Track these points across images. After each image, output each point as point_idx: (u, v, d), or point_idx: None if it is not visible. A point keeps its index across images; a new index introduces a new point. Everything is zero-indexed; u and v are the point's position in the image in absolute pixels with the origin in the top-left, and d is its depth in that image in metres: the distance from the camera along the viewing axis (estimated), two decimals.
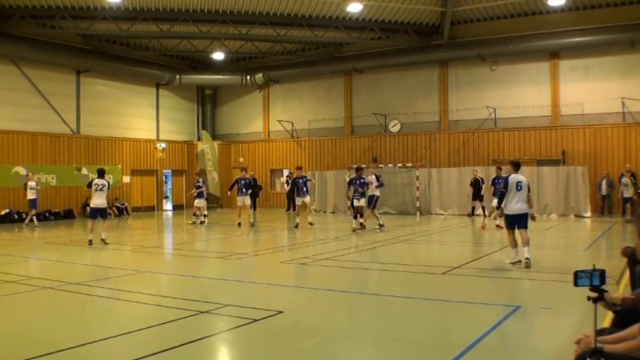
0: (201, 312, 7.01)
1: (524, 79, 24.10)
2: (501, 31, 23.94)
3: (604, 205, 21.54)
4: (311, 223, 18.31)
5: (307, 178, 18.55)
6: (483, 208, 18.70)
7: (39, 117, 23.89)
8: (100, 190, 14.01)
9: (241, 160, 30.59)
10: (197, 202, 20.61)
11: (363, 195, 16.98)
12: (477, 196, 18.76)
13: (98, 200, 14.09)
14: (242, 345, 5.92)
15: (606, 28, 21.87)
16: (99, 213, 14.23)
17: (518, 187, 10.24)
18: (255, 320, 6.48)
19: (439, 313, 7.23)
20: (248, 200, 19.20)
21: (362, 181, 16.95)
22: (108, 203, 14.68)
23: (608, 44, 22.10)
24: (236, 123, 31.41)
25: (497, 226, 15.93)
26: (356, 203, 16.99)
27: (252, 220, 20.11)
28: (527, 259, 10.07)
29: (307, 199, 18.29)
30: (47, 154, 24.03)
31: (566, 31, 22.63)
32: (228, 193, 21.64)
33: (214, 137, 30.89)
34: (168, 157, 29.47)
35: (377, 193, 17.58)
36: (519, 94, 24.06)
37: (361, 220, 17.10)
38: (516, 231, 10.26)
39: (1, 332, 6.40)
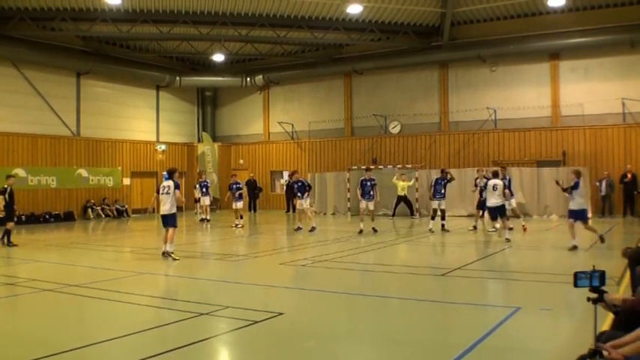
0: (202, 314, 7.00)
1: (524, 80, 24.09)
2: (501, 32, 23.95)
3: (604, 206, 21.53)
4: (374, 230, 16.66)
5: (375, 181, 17.22)
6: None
7: (39, 119, 23.90)
8: (166, 193, 12.09)
9: (241, 161, 30.61)
10: (236, 205, 19.55)
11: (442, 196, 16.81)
12: None
13: (162, 206, 12.22)
14: (242, 347, 5.92)
15: (606, 29, 21.86)
16: (163, 220, 12.23)
17: (494, 188, 14.11)
18: (256, 322, 6.47)
19: (439, 314, 7.22)
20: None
21: (445, 181, 16.94)
22: (175, 208, 12.20)
23: (608, 45, 22.10)
24: (236, 125, 31.42)
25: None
26: (435, 205, 16.97)
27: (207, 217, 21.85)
28: (507, 239, 13.88)
29: (371, 203, 16.95)
30: (47, 156, 24.03)
31: (566, 32, 22.64)
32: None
33: (214, 139, 30.89)
34: (168, 158, 29.43)
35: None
36: (519, 95, 24.06)
37: (497, 225, 15.86)
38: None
39: (1, 334, 6.40)
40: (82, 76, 25.66)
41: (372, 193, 16.85)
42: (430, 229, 16.70)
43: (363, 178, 17.17)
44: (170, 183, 12.13)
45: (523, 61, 23.96)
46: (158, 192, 12.45)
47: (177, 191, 12.06)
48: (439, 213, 17.11)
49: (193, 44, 27.03)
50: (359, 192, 17.10)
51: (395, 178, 22.71)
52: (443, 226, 16.86)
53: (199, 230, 19.60)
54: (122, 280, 9.72)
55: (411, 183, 22.65)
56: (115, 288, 8.79)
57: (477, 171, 18.01)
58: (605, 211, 21.46)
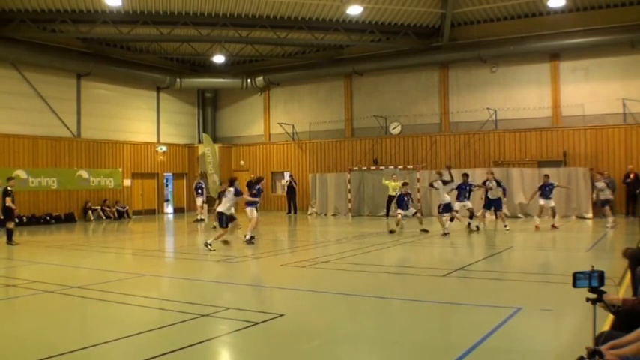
0: (202, 315, 7.01)
1: (524, 80, 24.10)
2: (502, 32, 23.96)
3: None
4: (391, 231, 17.09)
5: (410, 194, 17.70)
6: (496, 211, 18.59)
7: (40, 121, 23.93)
8: (224, 196, 14.02)
9: (242, 163, 30.63)
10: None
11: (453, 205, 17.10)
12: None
13: (221, 205, 14.10)
14: (243, 348, 5.92)
15: (606, 29, 21.87)
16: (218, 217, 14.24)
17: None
18: (256, 323, 6.47)
19: (440, 314, 7.22)
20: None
21: (471, 186, 17.20)
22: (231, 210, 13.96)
23: (609, 45, 22.10)
24: (237, 126, 31.44)
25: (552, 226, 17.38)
26: (457, 208, 17.06)
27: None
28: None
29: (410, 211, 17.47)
30: (48, 157, 24.05)
31: (567, 33, 22.64)
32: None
33: (215, 140, 30.90)
34: (169, 160, 29.48)
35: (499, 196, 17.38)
36: (520, 96, 24.06)
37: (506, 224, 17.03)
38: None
39: (2, 336, 6.40)
40: (83, 78, 25.69)
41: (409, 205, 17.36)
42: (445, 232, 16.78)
43: (400, 193, 17.62)
44: (231, 189, 13.88)
45: (523, 62, 23.97)
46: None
47: (236, 197, 13.93)
48: (467, 214, 17.19)
49: (194, 45, 27.05)
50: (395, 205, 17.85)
51: (384, 179, 22.77)
52: (469, 224, 16.96)
53: (196, 231, 19.59)
54: (123, 281, 9.73)
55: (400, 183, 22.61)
56: (116, 289, 8.79)
57: (487, 173, 18.06)
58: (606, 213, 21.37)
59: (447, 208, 16.45)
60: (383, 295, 8.38)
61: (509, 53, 23.83)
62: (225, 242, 14.19)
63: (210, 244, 13.24)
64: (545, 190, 17.51)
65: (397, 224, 17.21)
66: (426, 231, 16.85)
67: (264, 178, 18.70)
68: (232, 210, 14.09)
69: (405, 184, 18.05)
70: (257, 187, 16.55)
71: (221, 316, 7.03)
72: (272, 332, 6.30)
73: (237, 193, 14.00)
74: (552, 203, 17.72)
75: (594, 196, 18.86)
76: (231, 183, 14.32)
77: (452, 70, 25.56)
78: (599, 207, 18.51)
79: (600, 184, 18.07)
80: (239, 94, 30.94)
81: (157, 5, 22.43)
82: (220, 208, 13.94)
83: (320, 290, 8.87)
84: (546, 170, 21.59)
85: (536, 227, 17.09)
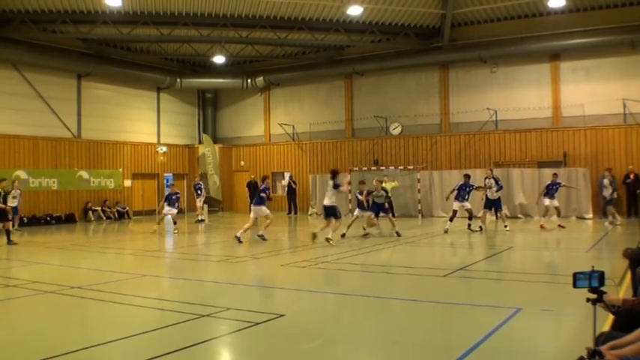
0: (202, 315, 7.01)
1: (525, 80, 24.09)
2: (502, 33, 23.95)
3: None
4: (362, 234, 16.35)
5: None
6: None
7: (40, 121, 23.92)
8: (328, 190, 14.70)
9: (242, 163, 30.62)
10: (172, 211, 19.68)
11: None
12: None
13: (324, 200, 14.85)
14: (243, 348, 5.92)
15: (607, 30, 21.86)
16: (325, 211, 14.89)
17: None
18: (257, 323, 6.47)
19: (440, 315, 7.21)
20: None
21: (471, 188, 17.17)
22: (332, 202, 14.52)
23: (609, 46, 22.08)
24: (237, 126, 31.44)
25: (559, 225, 17.64)
26: (456, 207, 17.05)
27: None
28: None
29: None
30: (48, 158, 24.05)
31: (567, 33, 22.63)
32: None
33: (215, 141, 30.92)
34: (169, 160, 29.48)
35: (497, 195, 17.32)
36: (520, 96, 24.05)
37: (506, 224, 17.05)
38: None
39: (3, 336, 6.40)
40: (83, 78, 25.69)
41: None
42: (445, 230, 16.83)
43: (357, 193, 16.99)
44: (331, 182, 14.46)
45: (524, 62, 23.96)
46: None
47: (334, 190, 14.45)
48: (466, 214, 17.17)
49: (194, 46, 27.04)
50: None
51: (374, 180, 22.65)
52: (469, 225, 16.92)
53: (196, 231, 19.59)
54: (123, 282, 9.73)
55: (395, 183, 22.53)
56: (116, 290, 8.79)
57: (491, 170, 18.07)
58: (607, 212, 21.36)
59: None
60: (383, 295, 8.38)
61: (509, 53, 23.82)
62: (343, 235, 15.31)
63: (331, 239, 13.93)
64: (552, 189, 17.67)
65: (371, 225, 16.38)
66: (366, 236, 15.97)
67: (268, 176, 18.39)
68: (332, 202, 14.53)
69: (361, 183, 17.49)
70: (263, 186, 16.74)
71: (221, 316, 7.03)
72: (272, 332, 6.30)
73: (336, 186, 14.54)
74: (557, 202, 17.92)
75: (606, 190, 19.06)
76: (334, 176, 14.66)
77: (452, 70, 25.55)
78: (604, 204, 18.91)
79: (605, 181, 18.34)
80: (239, 94, 30.94)
81: (157, 5, 22.43)
82: (328, 202, 14.46)
83: (320, 290, 8.87)
84: (547, 171, 21.67)
85: (542, 227, 17.11)
